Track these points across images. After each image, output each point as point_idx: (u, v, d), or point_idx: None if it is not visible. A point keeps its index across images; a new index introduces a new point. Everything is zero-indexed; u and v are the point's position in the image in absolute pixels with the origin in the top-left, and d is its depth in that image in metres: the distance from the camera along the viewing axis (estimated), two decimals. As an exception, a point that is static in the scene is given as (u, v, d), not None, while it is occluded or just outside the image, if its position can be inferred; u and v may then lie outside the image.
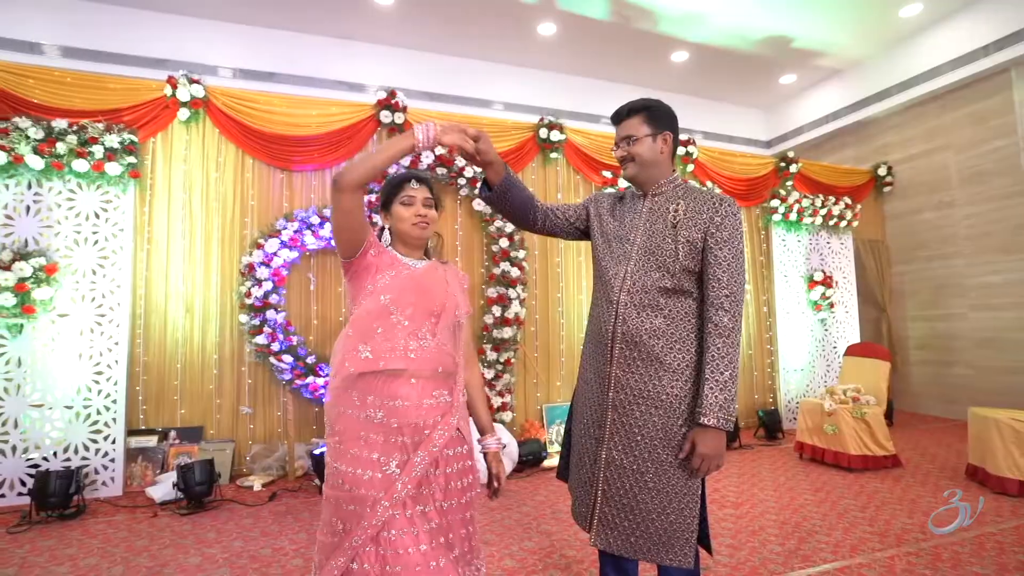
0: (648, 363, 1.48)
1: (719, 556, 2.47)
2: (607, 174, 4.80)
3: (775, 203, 5.39)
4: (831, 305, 5.54)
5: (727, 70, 6.56)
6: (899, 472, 3.77)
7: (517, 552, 2.56)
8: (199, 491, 3.10)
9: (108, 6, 5.09)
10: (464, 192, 4.52)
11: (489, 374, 4.31)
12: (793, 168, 5.73)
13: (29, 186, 3.35)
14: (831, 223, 5.64)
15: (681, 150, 5.26)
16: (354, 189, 1.39)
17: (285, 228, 3.90)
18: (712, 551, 1.58)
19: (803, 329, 5.46)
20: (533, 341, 4.70)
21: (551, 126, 4.80)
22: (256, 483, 3.51)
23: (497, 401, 4.33)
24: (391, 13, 5.40)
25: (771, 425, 4.86)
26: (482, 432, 1.64)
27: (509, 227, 4.51)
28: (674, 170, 1.63)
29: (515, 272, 4.48)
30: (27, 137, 3.26)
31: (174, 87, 3.75)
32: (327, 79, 5.86)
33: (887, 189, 6.33)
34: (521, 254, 4.53)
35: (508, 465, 3.80)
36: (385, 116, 4.34)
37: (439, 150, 4.32)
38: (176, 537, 2.75)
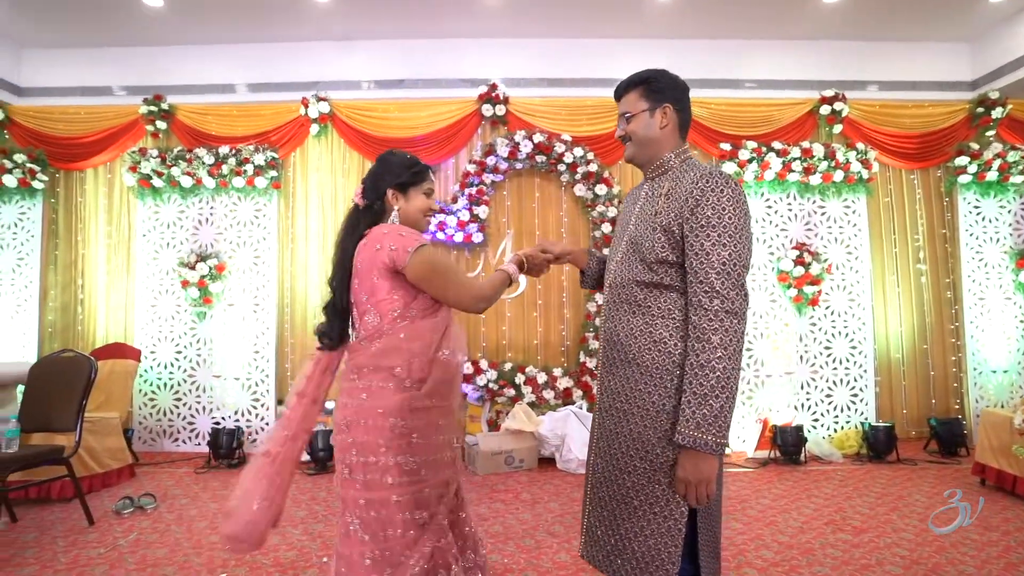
0: (626, 366, 1.34)
1: (803, 588, 2.13)
2: (725, 146, 4.29)
3: (963, 160, 4.28)
4: (1055, 289, 4.25)
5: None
6: None
7: (578, 547, 2.51)
8: (322, 456, 3.63)
9: (274, 44, 5.99)
10: (565, 178, 4.45)
11: (591, 363, 4.23)
12: (997, 113, 4.48)
13: (206, 202, 4.21)
14: (1057, 181, 4.30)
15: (826, 108, 4.47)
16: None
17: (395, 225, 4.29)
18: None
19: (1008, 320, 4.28)
20: (642, 330, 4.46)
21: (660, 99, 4.45)
22: (373, 453, 3.98)
23: (600, 391, 4.23)
24: (501, 6, 5.47)
25: (947, 438, 3.94)
26: None
27: (611, 212, 4.33)
28: (684, 146, 1.42)
29: (619, 258, 4.29)
30: (203, 163, 4.09)
31: (306, 106, 4.35)
32: (450, 78, 6.13)
33: None
34: (626, 239, 4.32)
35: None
36: (487, 109, 4.47)
37: (537, 138, 4.32)
38: (295, 492, 3.27)
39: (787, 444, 3.72)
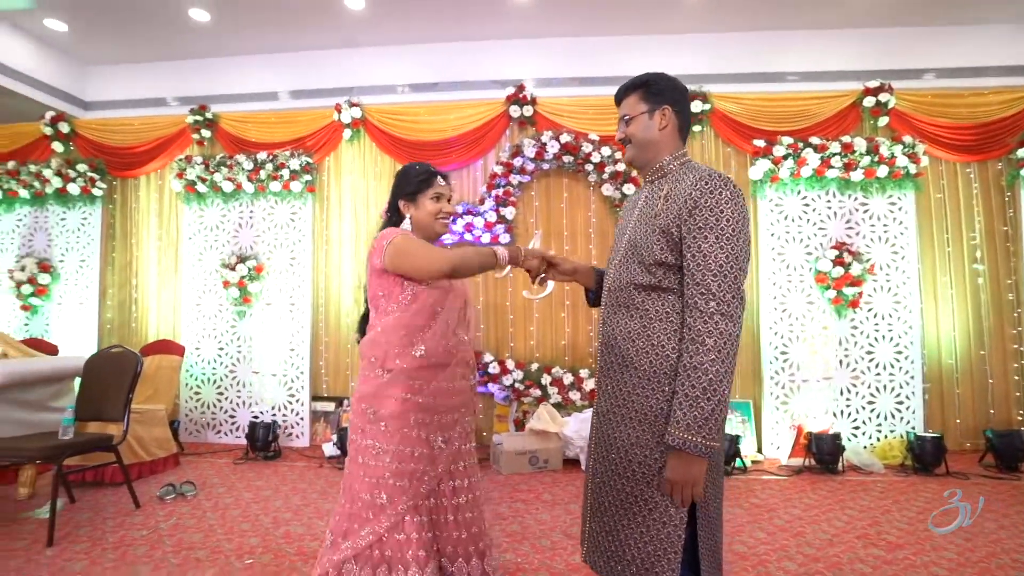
0: (623, 369, 1.34)
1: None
2: (759, 142, 4.14)
3: (1025, 152, 3.98)
4: None
5: (962, -20, 4.95)
6: None
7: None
8: (351, 451, 3.74)
9: (312, 51, 6.23)
10: (593, 178, 4.42)
11: (619, 365, 4.18)
12: (1067, 99, 4.13)
13: (246, 206, 4.41)
14: None
15: (869, 100, 4.24)
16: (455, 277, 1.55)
17: (424, 226, 4.38)
18: None
19: (1077, 324, 3.95)
20: (673, 332, 4.37)
21: (692, 96, 4.34)
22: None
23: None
24: (532, 6, 5.47)
25: (1006, 451, 3.66)
26: None
27: (641, 211, 4.26)
28: (684, 149, 1.42)
29: (648, 258, 4.22)
30: (243, 169, 4.29)
31: (339, 112, 4.50)
32: (482, 80, 6.18)
33: None
34: (655, 239, 4.25)
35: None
36: (514, 111, 4.49)
37: (564, 138, 4.30)
38: (326, 486, 3.39)
39: (823, 452, 3.56)
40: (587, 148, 4.27)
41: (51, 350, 4.02)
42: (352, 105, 4.52)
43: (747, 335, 4.27)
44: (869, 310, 3.98)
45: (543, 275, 1.62)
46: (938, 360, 4.16)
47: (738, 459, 3.60)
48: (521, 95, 4.50)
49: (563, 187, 4.56)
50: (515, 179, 4.38)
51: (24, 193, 4.62)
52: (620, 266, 1.40)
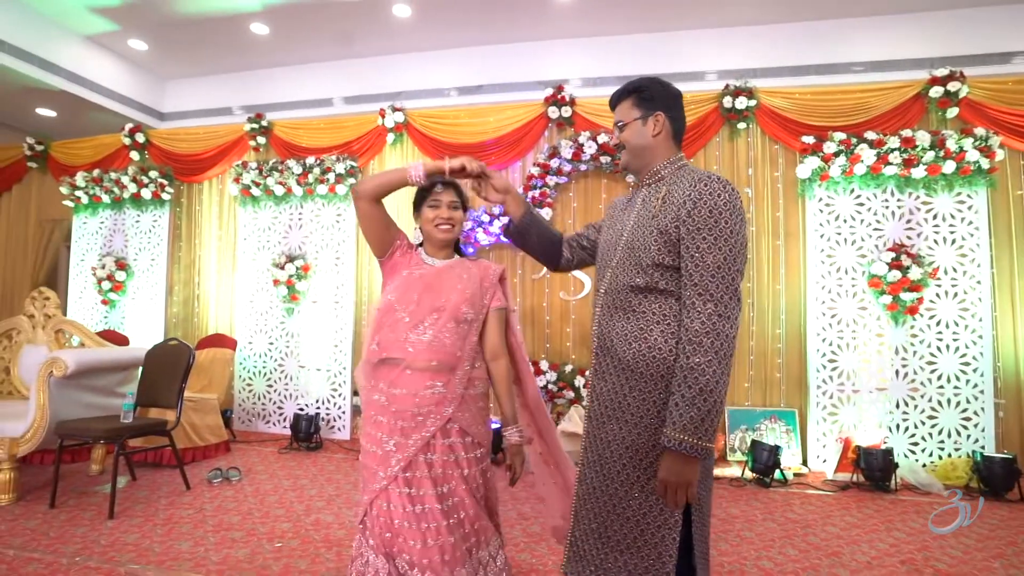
0: (619, 372, 1.34)
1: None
2: (808, 139, 3.91)
3: (1123, 144, 3.54)
4: None
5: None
6: None
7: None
8: (386, 445, 3.86)
9: (362, 59, 6.47)
10: (631, 179, 4.33)
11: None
12: None
13: (296, 208, 4.65)
14: None
15: (937, 91, 3.92)
16: (365, 199, 1.60)
17: (460, 227, 4.45)
18: None
19: None
20: (714, 337, 4.22)
21: (736, 92, 4.18)
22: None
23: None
24: (575, 6, 5.44)
25: (1092, 477, 3.28)
26: (504, 423, 1.66)
27: (680, 211, 4.14)
28: (679, 154, 1.43)
29: (687, 260, 4.09)
30: (293, 173, 4.53)
31: (383, 116, 4.65)
32: (528, 81, 6.22)
33: None
34: (695, 240, 4.11)
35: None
36: (553, 112, 4.48)
37: (602, 138, 4.25)
38: (356, 477, 3.51)
39: (872, 468, 3.32)
40: (625, 148, 4.19)
41: (122, 341, 4.40)
42: (395, 110, 4.67)
43: (793, 341, 4.06)
44: (931, 317, 3.67)
45: (476, 183, 1.65)
46: (1015, 374, 3.78)
47: (778, 471, 3.42)
48: (559, 96, 4.48)
49: (601, 188, 4.51)
50: (551, 180, 4.37)
51: (105, 198, 5.09)
52: (618, 268, 1.39)
